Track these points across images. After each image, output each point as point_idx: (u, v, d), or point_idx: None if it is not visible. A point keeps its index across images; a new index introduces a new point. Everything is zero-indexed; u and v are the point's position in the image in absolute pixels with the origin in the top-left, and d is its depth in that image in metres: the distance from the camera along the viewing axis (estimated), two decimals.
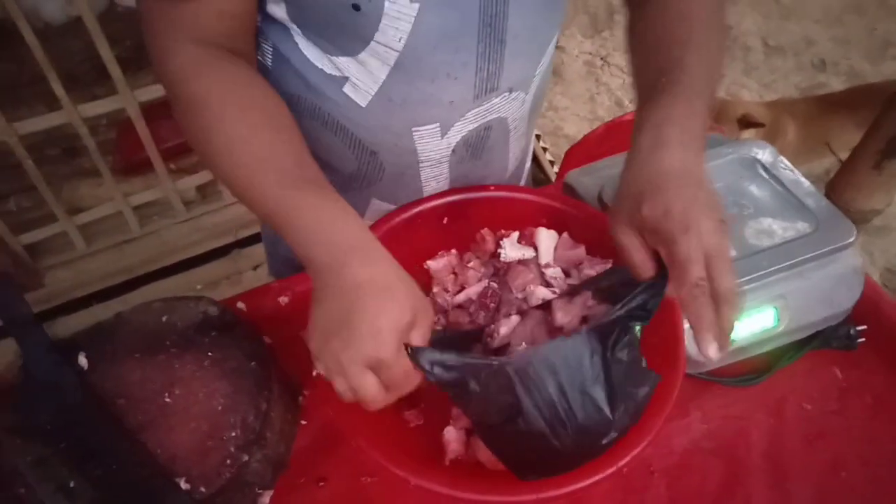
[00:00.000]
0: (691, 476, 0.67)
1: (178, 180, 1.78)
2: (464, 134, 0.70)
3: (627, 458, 0.54)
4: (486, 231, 0.74)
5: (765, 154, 0.79)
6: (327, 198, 0.53)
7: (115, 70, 1.47)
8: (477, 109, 0.68)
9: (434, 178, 0.75)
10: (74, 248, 1.78)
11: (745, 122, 1.71)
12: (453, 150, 0.72)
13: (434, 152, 0.71)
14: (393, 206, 0.77)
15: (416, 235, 0.73)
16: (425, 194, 0.76)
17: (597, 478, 0.53)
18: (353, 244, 0.51)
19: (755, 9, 2.88)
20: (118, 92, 1.52)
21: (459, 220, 0.75)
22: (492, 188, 0.75)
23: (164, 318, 0.69)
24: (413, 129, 0.68)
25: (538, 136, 2.11)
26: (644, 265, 0.52)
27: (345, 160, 0.72)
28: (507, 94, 0.68)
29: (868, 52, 2.69)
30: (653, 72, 0.58)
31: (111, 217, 1.77)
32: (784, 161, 0.78)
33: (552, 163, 2.12)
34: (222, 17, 0.57)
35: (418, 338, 0.50)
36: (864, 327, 0.74)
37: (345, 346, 0.47)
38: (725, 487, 0.66)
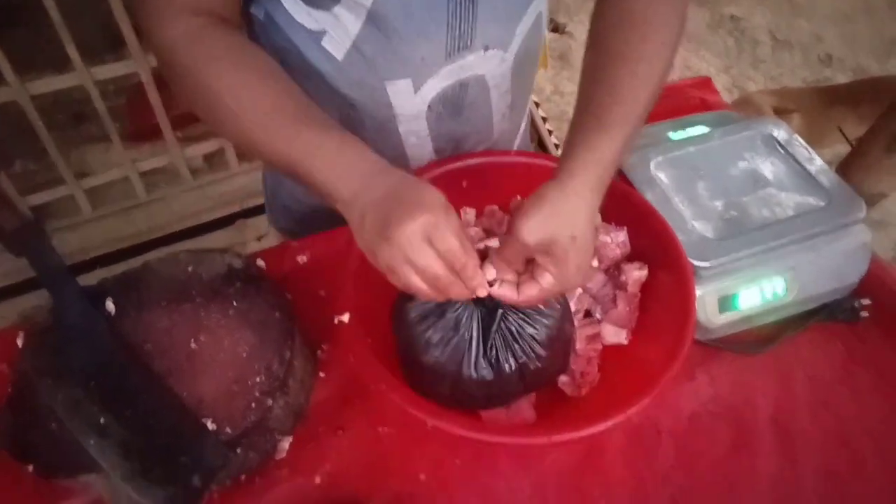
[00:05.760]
0: (698, 438, 0.69)
1: (186, 148, 1.79)
2: (438, 90, 0.71)
3: (636, 408, 0.56)
4: (495, 207, 0.76)
5: (780, 132, 0.81)
6: (343, 134, 0.56)
7: (129, 34, 1.47)
8: (450, 67, 0.69)
9: (413, 133, 0.75)
10: (80, 212, 1.78)
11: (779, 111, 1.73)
12: (429, 107, 0.73)
13: (409, 107, 0.72)
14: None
15: None
16: (406, 149, 0.77)
17: (605, 425, 0.55)
18: (378, 168, 0.55)
19: (765, 4, 2.89)
20: (129, 58, 1.52)
21: (479, 183, 0.76)
22: (512, 153, 0.77)
23: (189, 269, 0.70)
24: (386, 83, 0.69)
25: (544, 119, 2.12)
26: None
27: (327, 113, 0.73)
28: (482, 52, 0.69)
29: (875, 50, 2.70)
30: (598, 87, 0.60)
31: (118, 182, 1.78)
32: (798, 139, 0.80)
33: (557, 146, 2.13)
34: None
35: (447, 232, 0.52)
36: (868, 301, 0.76)
37: (390, 255, 0.51)
38: (731, 450, 0.68)
